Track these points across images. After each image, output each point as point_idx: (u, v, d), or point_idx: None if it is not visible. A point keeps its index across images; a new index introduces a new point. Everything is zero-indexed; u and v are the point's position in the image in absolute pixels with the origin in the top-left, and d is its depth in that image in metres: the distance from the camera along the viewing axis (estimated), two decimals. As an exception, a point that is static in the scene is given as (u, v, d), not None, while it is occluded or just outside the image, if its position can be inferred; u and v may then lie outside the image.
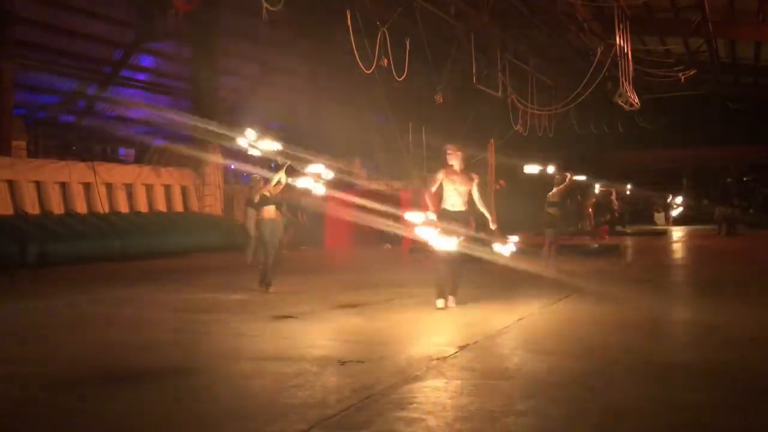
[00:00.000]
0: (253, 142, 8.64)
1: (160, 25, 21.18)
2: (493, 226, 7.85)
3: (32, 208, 14.88)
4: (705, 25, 17.59)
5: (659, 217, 27.06)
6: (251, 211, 12.54)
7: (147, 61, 24.04)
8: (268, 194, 9.07)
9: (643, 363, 4.97)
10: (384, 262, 14.65)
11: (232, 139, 9.66)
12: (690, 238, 21.41)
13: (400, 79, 13.90)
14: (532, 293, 8.61)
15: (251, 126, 8.92)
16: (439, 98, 18.27)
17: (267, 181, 9.27)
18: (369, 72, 12.92)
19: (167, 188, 18.28)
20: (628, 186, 28.82)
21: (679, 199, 26.80)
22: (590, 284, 9.54)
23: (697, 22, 17.65)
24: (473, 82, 16.92)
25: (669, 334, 6.42)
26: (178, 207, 18.36)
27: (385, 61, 13.21)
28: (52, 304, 8.40)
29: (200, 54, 20.32)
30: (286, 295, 8.72)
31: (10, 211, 14.36)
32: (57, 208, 15.41)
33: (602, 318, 7.18)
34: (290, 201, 10.81)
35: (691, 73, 21.47)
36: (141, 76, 24.34)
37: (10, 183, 14.69)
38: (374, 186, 22.87)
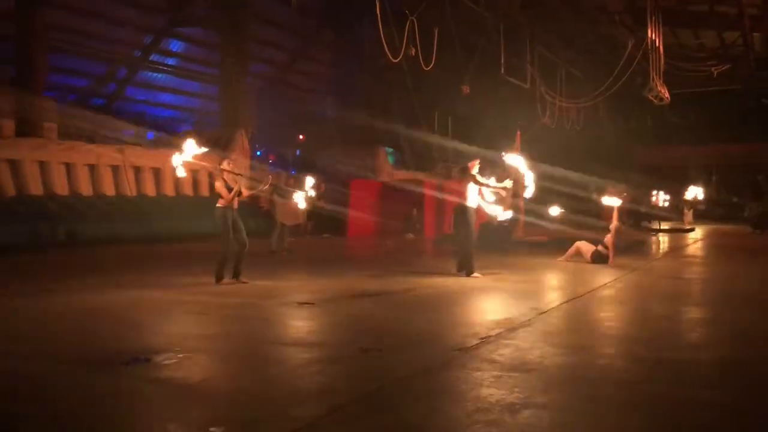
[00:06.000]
0: None
1: (191, 11, 21.30)
2: None
3: (62, 189, 15.14)
4: (741, 19, 17.22)
5: (687, 215, 26.60)
6: (278, 199, 12.77)
7: (176, 46, 24.23)
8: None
9: (664, 359, 4.92)
10: (406, 252, 14.65)
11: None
12: (716, 237, 21.02)
13: (427, 68, 13.83)
14: (553, 286, 8.57)
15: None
16: (465, 89, 18.16)
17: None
18: (396, 61, 12.89)
19: (194, 173, 18.40)
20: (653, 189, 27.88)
21: (694, 194, 26.17)
22: (611, 280, 9.45)
23: (733, 16, 17.29)
24: (501, 72, 16.78)
25: (692, 330, 6.34)
26: (205, 191, 18.51)
27: (413, 50, 13.15)
28: (77, 286, 8.54)
29: (229, 40, 20.40)
30: (308, 282, 8.77)
31: (40, 192, 14.64)
32: (86, 189, 15.65)
33: (624, 313, 7.13)
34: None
35: (725, 67, 21.03)
36: (170, 61, 24.55)
37: (41, 164, 14.95)
38: (399, 175, 22.80)
